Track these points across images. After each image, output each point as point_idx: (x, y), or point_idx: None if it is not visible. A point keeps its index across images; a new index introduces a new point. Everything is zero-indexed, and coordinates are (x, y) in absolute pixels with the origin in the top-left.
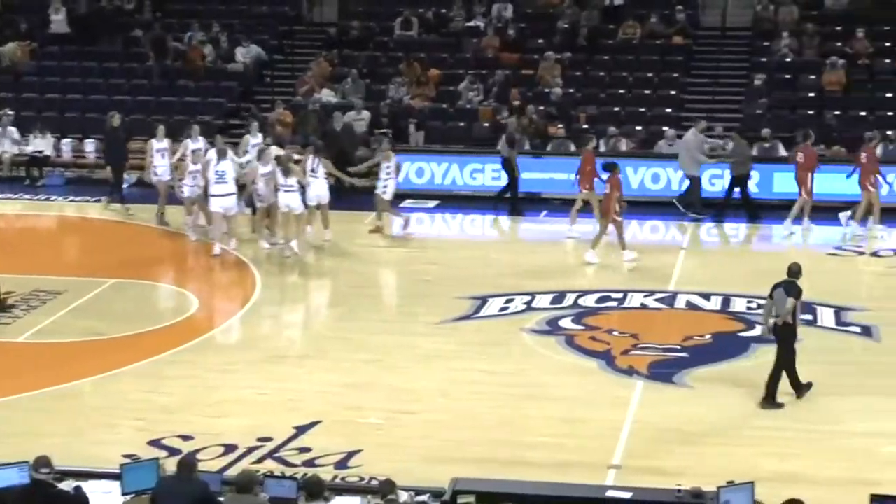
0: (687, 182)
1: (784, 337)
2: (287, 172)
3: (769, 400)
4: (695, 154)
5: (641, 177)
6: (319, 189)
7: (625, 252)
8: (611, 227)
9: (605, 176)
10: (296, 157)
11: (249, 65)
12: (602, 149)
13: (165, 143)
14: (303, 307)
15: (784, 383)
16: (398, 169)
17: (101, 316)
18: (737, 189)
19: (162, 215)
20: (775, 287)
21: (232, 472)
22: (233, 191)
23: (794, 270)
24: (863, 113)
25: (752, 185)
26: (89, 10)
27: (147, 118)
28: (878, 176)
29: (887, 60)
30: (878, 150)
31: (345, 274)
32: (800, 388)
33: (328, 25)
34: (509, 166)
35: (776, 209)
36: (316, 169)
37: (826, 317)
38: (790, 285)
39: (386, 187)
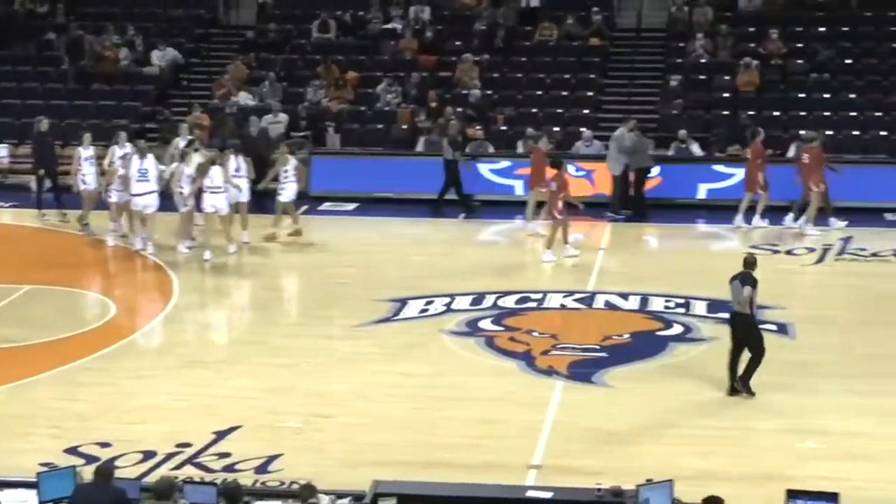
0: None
1: (743, 325)
2: (203, 173)
3: (748, 388)
4: (616, 154)
5: None
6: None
7: (567, 247)
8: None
9: (551, 173)
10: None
11: (165, 68)
12: (520, 150)
13: (91, 150)
14: (220, 312)
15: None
16: (301, 171)
17: (15, 323)
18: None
19: (86, 224)
20: (732, 279)
21: (151, 479)
22: (154, 189)
23: (750, 261)
24: (776, 113)
25: (660, 185)
26: (1, 14)
27: (61, 122)
28: (822, 175)
29: (800, 61)
30: (792, 152)
31: (262, 278)
32: (735, 385)
33: (245, 28)
34: (451, 169)
35: (694, 209)
36: (240, 168)
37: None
38: (746, 276)
39: (283, 190)
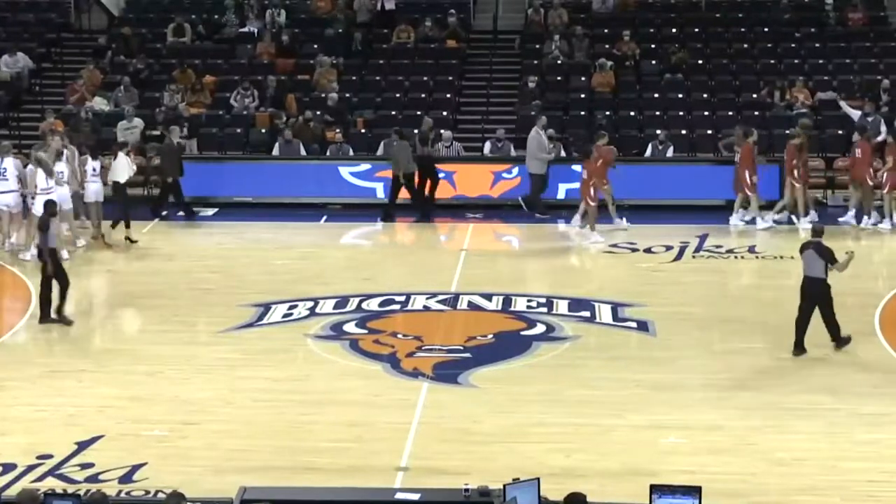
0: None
1: (819, 290)
2: (51, 174)
3: (841, 340)
4: (536, 153)
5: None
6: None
7: (593, 234)
8: None
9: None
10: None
11: (16, 74)
12: (379, 152)
13: None
14: (80, 319)
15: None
16: (107, 170)
17: None
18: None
19: None
20: (803, 248)
21: (11, 493)
22: (13, 188)
23: (818, 230)
24: (632, 113)
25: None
26: None
27: None
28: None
29: (653, 62)
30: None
31: (122, 284)
32: (839, 340)
33: (98, 33)
34: (426, 166)
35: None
36: (97, 170)
37: (604, 313)
38: (818, 245)
39: (85, 190)
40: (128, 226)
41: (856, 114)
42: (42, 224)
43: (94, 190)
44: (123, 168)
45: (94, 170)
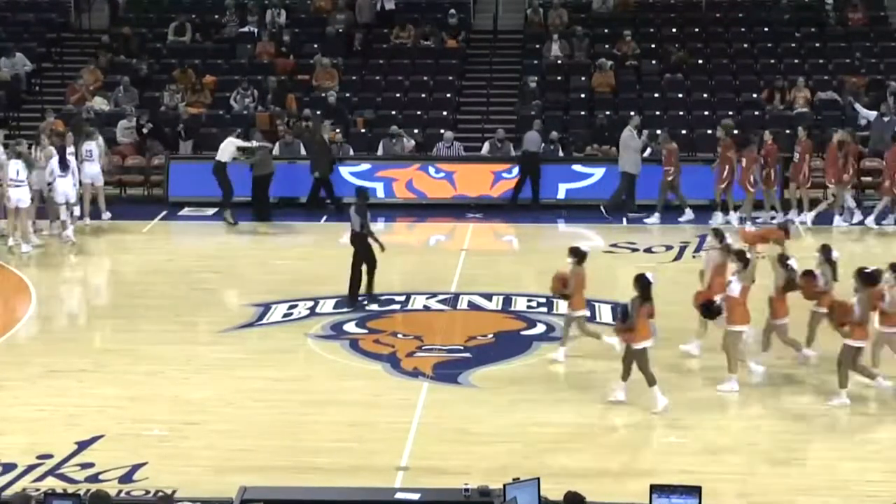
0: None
1: None
2: (31, 167)
3: None
4: (631, 152)
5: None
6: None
7: (733, 214)
8: None
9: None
10: None
11: (16, 74)
12: (379, 152)
13: None
14: (80, 319)
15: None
16: (65, 166)
17: None
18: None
19: None
20: None
21: (10, 493)
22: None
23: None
24: (632, 113)
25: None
26: None
27: None
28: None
29: (653, 62)
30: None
31: (124, 284)
32: None
33: (99, 32)
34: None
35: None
36: (92, 153)
37: (604, 313)
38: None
39: (51, 191)
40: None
41: (871, 115)
42: (359, 209)
43: (91, 174)
44: (227, 150)
45: (88, 152)
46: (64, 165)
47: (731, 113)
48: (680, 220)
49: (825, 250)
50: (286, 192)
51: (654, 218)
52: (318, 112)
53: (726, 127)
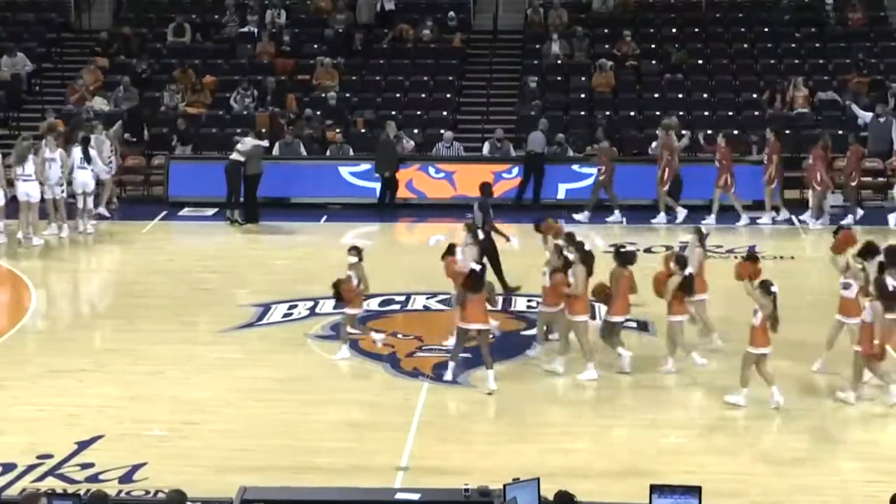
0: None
1: None
2: (22, 161)
3: None
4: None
5: None
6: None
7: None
8: None
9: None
10: None
11: (17, 74)
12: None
13: None
14: (80, 319)
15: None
16: (89, 158)
17: None
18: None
19: None
20: None
21: (12, 492)
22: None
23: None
24: (632, 113)
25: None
26: None
27: None
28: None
29: (653, 62)
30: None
31: (124, 284)
32: None
33: (99, 32)
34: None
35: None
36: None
37: (603, 313)
38: None
39: (28, 194)
40: (230, 206)
41: (867, 116)
42: (481, 204)
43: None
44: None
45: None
46: (88, 157)
47: (730, 113)
48: (608, 220)
49: (697, 232)
50: (286, 192)
51: (583, 216)
52: (319, 112)
53: (666, 126)
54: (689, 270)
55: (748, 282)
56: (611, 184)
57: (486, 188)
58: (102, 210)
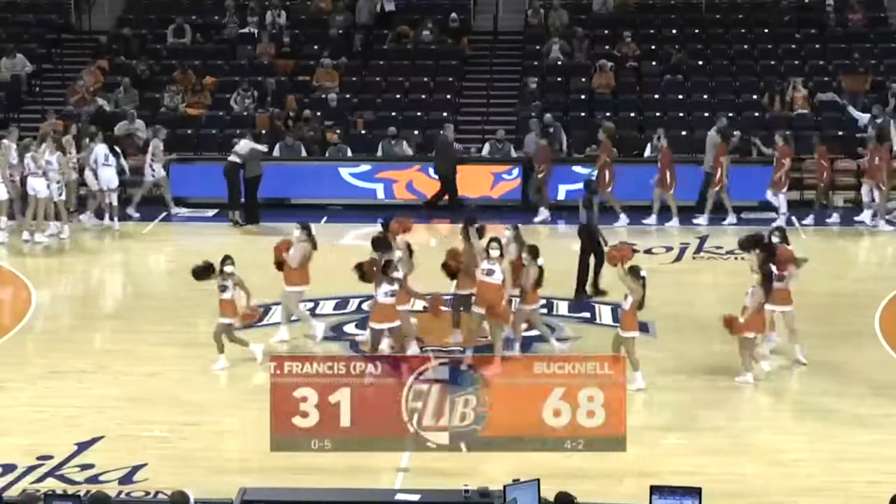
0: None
1: None
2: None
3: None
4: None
5: None
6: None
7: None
8: None
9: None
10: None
11: (17, 75)
12: (378, 153)
13: None
14: (80, 320)
15: None
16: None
17: None
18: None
19: None
20: None
21: (12, 493)
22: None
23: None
24: (632, 114)
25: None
26: None
27: None
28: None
29: (653, 63)
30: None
31: (125, 285)
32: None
33: (99, 33)
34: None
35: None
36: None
37: (604, 314)
38: None
39: (9, 194)
40: (233, 208)
41: (864, 117)
42: (587, 202)
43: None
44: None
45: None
46: (115, 153)
47: (730, 114)
48: (534, 220)
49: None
50: (286, 193)
51: (541, 215)
52: (319, 112)
53: (608, 129)
54: (541, 261)
55: (620, 267)
56: (545, 183)
57: (589, 185)
58: (131, 210)
